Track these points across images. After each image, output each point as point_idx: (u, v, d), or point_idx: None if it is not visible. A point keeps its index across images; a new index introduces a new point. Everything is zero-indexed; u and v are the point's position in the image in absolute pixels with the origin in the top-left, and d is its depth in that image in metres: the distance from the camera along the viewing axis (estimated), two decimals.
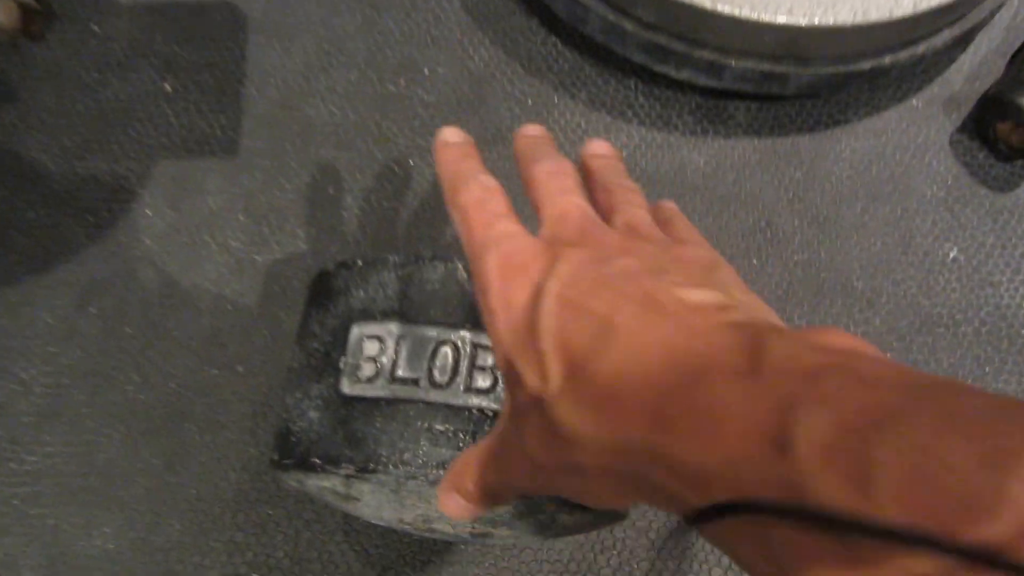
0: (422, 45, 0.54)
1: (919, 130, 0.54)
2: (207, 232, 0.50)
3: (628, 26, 0.50)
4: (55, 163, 0.51)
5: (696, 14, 0.47)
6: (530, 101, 0.54)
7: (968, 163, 0.53)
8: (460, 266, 0.35)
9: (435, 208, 0.51)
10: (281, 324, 0.48)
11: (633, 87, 0.54)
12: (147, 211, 0.51)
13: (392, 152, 0.52)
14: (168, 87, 0.53)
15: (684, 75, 0.51)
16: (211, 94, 0.53)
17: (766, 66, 0.50)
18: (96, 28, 0.55)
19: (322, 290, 0.36)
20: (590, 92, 0.54)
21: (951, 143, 0.54)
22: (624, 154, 0.52)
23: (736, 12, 0.46)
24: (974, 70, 0.55)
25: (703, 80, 0.51)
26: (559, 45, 0.54)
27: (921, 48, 0.51)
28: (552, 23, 0.54)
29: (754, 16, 0.46)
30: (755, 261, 0.51)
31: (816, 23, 0.46)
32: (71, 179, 0.51)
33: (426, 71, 0.54)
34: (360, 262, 0.36)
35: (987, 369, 0.49)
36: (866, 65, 0.50)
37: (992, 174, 0.53)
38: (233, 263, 0.50)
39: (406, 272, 0.35)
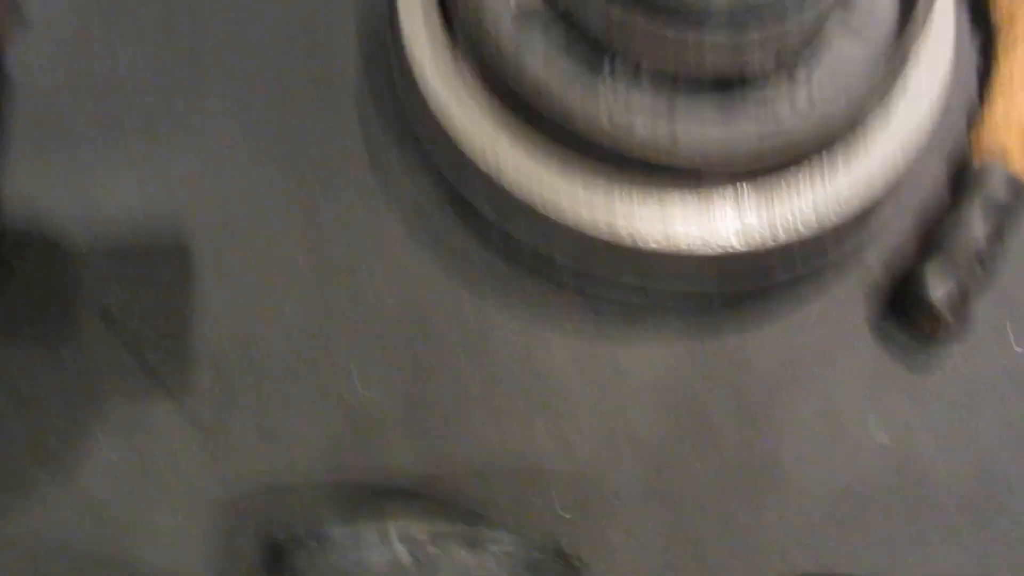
0: (366, 267, 0.58)
1: (842, 318, 0.57)
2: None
3: (557, 258, 0.53)
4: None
5: (617, 250, 0.50)
6: (472, 314, 0.56)
7: (890, 348, 0.57)
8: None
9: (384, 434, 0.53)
10: None
11: (570, 299, 0.56)
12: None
13: (337, 382, 0.54)
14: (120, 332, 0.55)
15: (616, 295, 0.54)
16: (162, 334, 0.56)
17: (693, 287, 0.53)
18: (50, 277, 0.57)
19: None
20: (529, 307, 0.56)
21: (873, 329, 0.57)
22: (564, 369, 0.54)
23: (659, 247, 0.51)
24: (891, 253, 0.60)
25: (634, 300, 0.54)
26: (499, 261, 0.57)
27: (842, 242, 0.56)
28: (492, 240, 0.58)
29: (676, 248, 0.51)
30: (694, 462, 0.54)
31: (739, 248, 0.51)
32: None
33: (370, 294, 0.56)
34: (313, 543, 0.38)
35: (920, 547, 0.53)
36: (782, 272, 0.54)
37: (913, 357, 0.56)
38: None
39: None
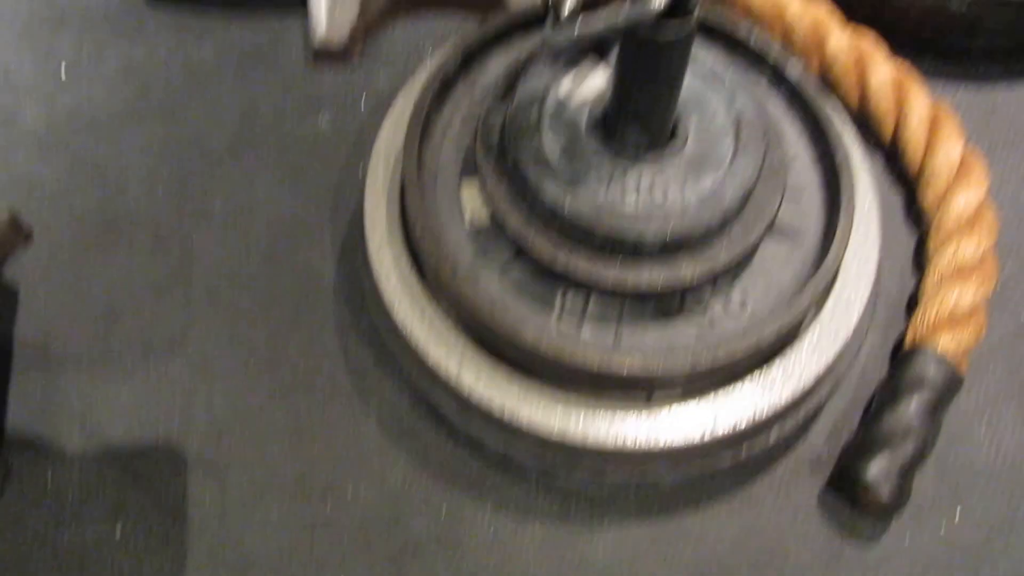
0: (344, 467, 0.62)
1: (788, 495, 0.62)
2: None
3: (518, 459, 0.58)
4: None
5: (572, 451, 0.55)
6: (444, 508, 0.61)
7: (836, 523, 0.61)
8: None
9: None
10: None
11: (534, 489, 0.61)
12: None
13: None
14: (118, 532, 0.59)
15: (573, 483, 0.59)
16: (157, 535, 0.60)
17: (647, 479, 0.57)
18: (50, 479, 0.61)
19: None
20: (496, 497, 0.61)
21: (819, 504, 0.61)
22: (532, 557, 0.59)
23: (611, 448, 0.56)
24: (833, 428, 0.65)
25: (594, 490, 0.59)
26: (466, 457, 0.61)
27: (784, 429, 0.60)
28: (459, 437, 0.62)
29: (626, 448, 0.56)
30: None
31: (685, 445, 0.56)
32: None
33: (349, 494, 0.61)
34: None
35: None
36: (727, 460, 0.58)
37: (860, 532, 0.61)
38: None
39: None
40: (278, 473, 0.62)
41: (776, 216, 0.58)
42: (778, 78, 0.65)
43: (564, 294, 0.57)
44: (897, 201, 0.73)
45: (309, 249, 0.70)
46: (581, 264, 0.55)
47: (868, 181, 0.65)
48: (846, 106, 0.71)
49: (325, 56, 0.75)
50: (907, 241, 0.71)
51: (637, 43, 0.49)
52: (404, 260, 0.60)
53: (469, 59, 0.65)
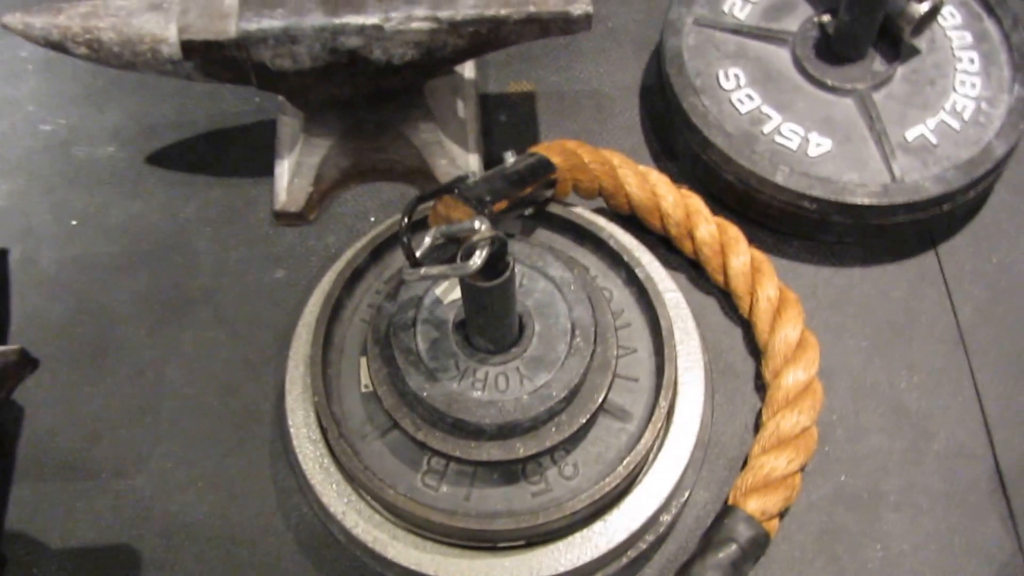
0: (266, 571, 0.79)
1: None
2: None
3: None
4: None
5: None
6: None
7: None
8: None
9: None
10: None
11: None
12: None
13: None
14: None
15: None
16: None
17: None
18: (35, 571, 0.78)
19: None
20: None
21: None
22: None
23: None
24: (661, 572, 0.79)
25: None
26: (362, 568, 0.77)
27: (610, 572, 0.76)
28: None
29: None
30: None
31: None
32: None
33: None
34: None
35: None
36: None
37: None
38: None
39: None
40: (214, 572, 0.78)
41: (605, 401, 0.72)
42: (631, 277, 0.79)
43: (429, 459, 0.72)
44: (749, 370, 0.85)
45: (255, 387, 0.85)
46: (437, 440, 0.70)
47: (699, 367, 0.78)
48: (713, 283, 0.85)
49: (284, 218, 0.92)
50: (752, 407, 0.84)
51: (468, 286, 0.64)
52: (311, 418, 0.76)
53: (378, 252, 0.80)
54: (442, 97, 0.90)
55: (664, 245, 0.87)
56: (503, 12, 0.77)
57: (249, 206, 0.93)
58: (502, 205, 0.72)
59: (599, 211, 0.83)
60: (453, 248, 0.62)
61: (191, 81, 0.82)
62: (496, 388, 0.70)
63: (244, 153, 0.96)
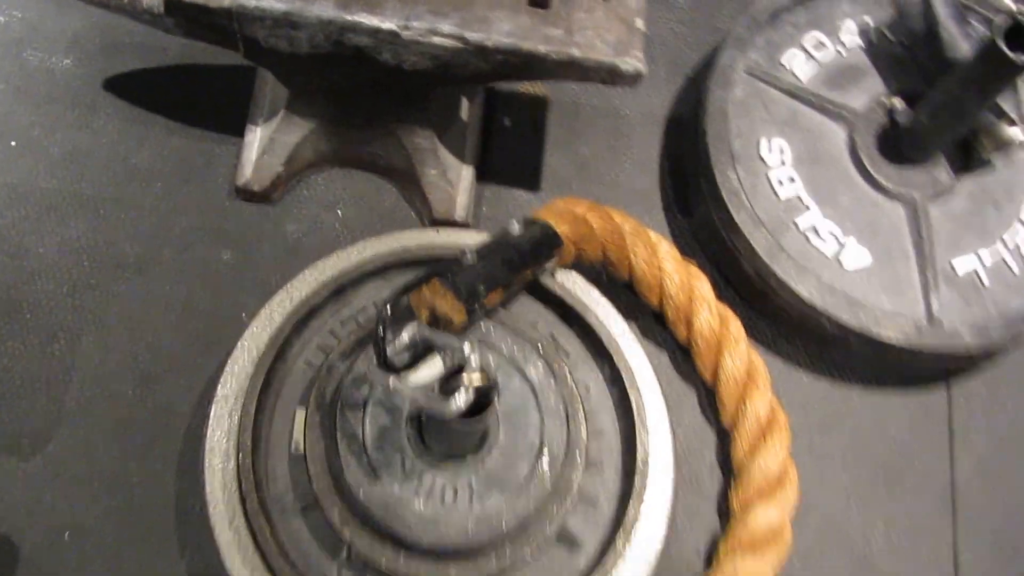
0: None
1: None
2: None
3: None
4: None
5: None
6: None
7: None
8: None
9: None
10: None
11: None
12: None
13: None
14: None
15: None
16: None
17: None
18: None
19: None
20: None
21: None
22: None
23: None
24: None
25: None
26: None
27: None
28: None
29: None
30: None
31: None
32: None
33: None
34: None
35: None
36: None
37: None
38: None
39: None
40: None
41: (561, 530, 0.64)
42: (615, 377, 0.69)
43: (349, 553, 0.64)
44: (715, 487, 0.77)
45: (176, 385, 0.76)
46: (363, 542, 0.62)
47: (666, 490, 0.69)
48: (700, 377, 0.76)
49: (244, 194, 0.80)
50: (710, 531, 0.76)
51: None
52: (230, 467, 0.66)
53: (340, 291, 0.69)
54: (445, 93, 0.77)
55: (656, 318, 0.76)
56: (541, 49, 0.65)
57: (209, 167, 0.81)
58: (496, 297, 0.62)
59: (592, 277, 0.75)
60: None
61: (169, 34, 0.68)
62: (441, 502, 0.61)
63: (215, 100, 0.83)
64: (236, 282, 0.79)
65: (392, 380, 0.54)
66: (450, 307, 0.60)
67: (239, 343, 0.69)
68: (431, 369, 0.54)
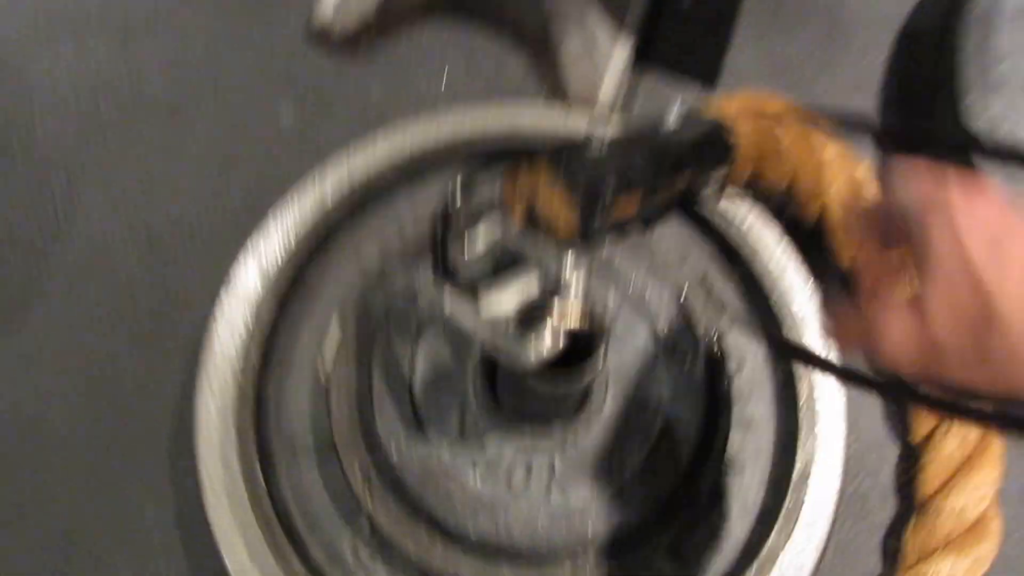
0: None
1: None
2: None
3: None
4: None
5: None
6: None
7: None
8: None
9: None
10: None
11: None
12: None
13: None
14: None
15: None
16: None
17: None
18: None
19: None
20: None
21: None
22: None
23: None
24: None
25: None
26: None
27: None
28: None
29: None
30: None
31: None
32: None
33: None
34: None
35: None
36: None
37: None
38: None
39: None
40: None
41: (671, 547, 0.45)
42: (783, 360, 0.48)
43: (368, 527, 0.45)
44: (884, 517, 0.55)
45: (189, 265, 0.59)
46: (387, 519, 0.44)
47: (827, 509, 0.48)
48: None
49: (323, 39, 0.61)
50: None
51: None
52: (230, 388, 0.48)
53: (418, 173, 0.50)
54: None
55: (844, 284, 0.55)
56: None
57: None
58: (628, 207, 0.41)
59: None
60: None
61: None
62: (506, 482, 0.42)
63: None
64: (291, 147, 0.61)
65: (451, 299, 0.34)
66: (558, 206, 0.39)
67: (271, 223, 0.50)
68: (513, 292, 0.35)
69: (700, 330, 0.48)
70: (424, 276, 0.39)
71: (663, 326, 0.47)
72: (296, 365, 0.49)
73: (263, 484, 0.45)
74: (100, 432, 0.54)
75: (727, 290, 0.51)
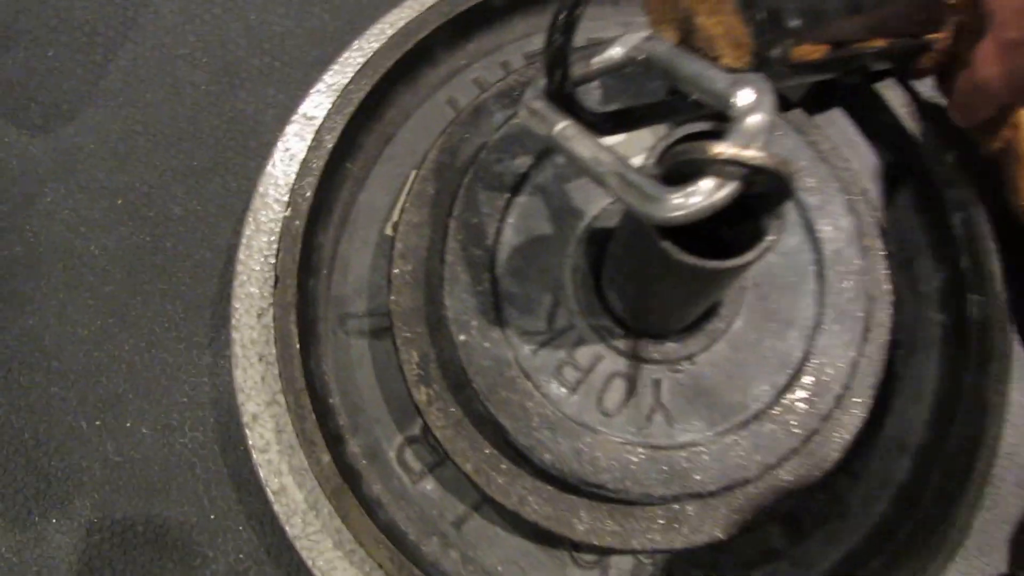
0: None
1: None
2: None
3: None
4: None
5: None
6: None
7: None
8: None
9: None
10: None
11: None
12: None
13: None
14: None
15: None
16: None
17: None
18: None
19: None
20: None
21: None
22: None
23: None
24: None
25: None
26: None
27: None
28: None
29: None
30: None
31: None
32: None
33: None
34: None
35: None
36: None
37: None
38: None
39: None
40: None
41: (786, 513, 0.35)
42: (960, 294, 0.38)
43: (423, 433, 0.36)
44: None
45: (252, 93, 0.51)
46: (446, 428, 0.34)
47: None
48: None
49: None
50: None
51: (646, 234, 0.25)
52: (272, 232, 0.39)
53: None
54: None
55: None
56: None
57: None
58: (818, 49, 0.30)
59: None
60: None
61: None
62: (598, 400, 0.32)
63: None
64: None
65: (566, 128, 0.24)
66: (727, 28, 0.28)
67: (355, 43, 0.40)
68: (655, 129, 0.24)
69: (868, 241, 0.37)
70: (533, 97, 0.29)
71: (824, 231, 0.36)
72: (362, 215, 0.40)
73: (297, 351, 0.36)
74: (139, 265, 0.46)
75: (901, 206, 0.40)
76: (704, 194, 0.23)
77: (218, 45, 0.52)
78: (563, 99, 0.27)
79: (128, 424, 0.44)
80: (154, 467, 0.43)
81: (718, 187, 0.23)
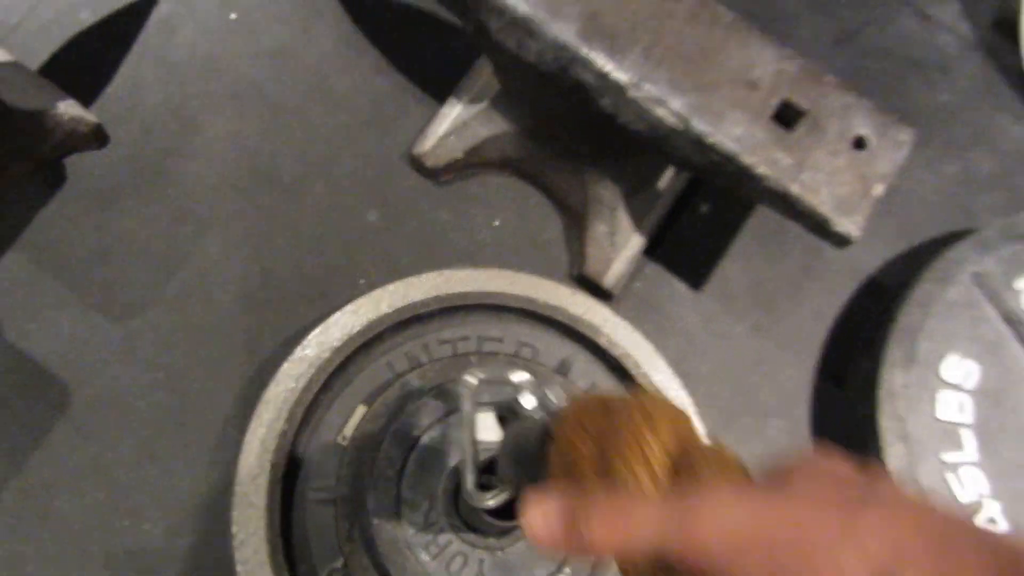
0: None
1: None
2: None
3: None
4: None
5: None
6: None
7: None
8: None
9: None
10: None
11: None
12: None
13: None
14: None
15: None
16: None
17: None
18: None
19: None
20: None
21: None
22: None
23: None
24: None
25: None
26: None
27: None
28: None
29: None
30: None
31: None
32: None
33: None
34: None
35: None
36: None
37: None
38: None
39: None
40: None
41: None
42: None
43: (342, 567, 0.63)
44: None
45: (271, 316, 0.76)
46: (356, 566, 0.61)
47: None
48: None
49: (416, 164, 0.78)
50: None
51: None
52: (275, 430, 0.65)
53: (452, 311, 0.67)
54: (651, 157, 0.73)
55: None
56: (761, 170, 0.60)
57: (395, 121, 0.80)
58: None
59: None
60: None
61: None
62: (446, 566, 0.58)
63: (434, 58, 0.82)
64: (370, 244, 0.78)
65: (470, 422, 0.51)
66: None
67: (336, 316, 0.67)
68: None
69: None
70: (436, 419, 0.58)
71: None
72: (325, 430, 0.67)
73: (279, 497, 0.62)
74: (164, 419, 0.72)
75: None
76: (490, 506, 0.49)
77: (241, 273, 0.79)
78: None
79: None
80: None
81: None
